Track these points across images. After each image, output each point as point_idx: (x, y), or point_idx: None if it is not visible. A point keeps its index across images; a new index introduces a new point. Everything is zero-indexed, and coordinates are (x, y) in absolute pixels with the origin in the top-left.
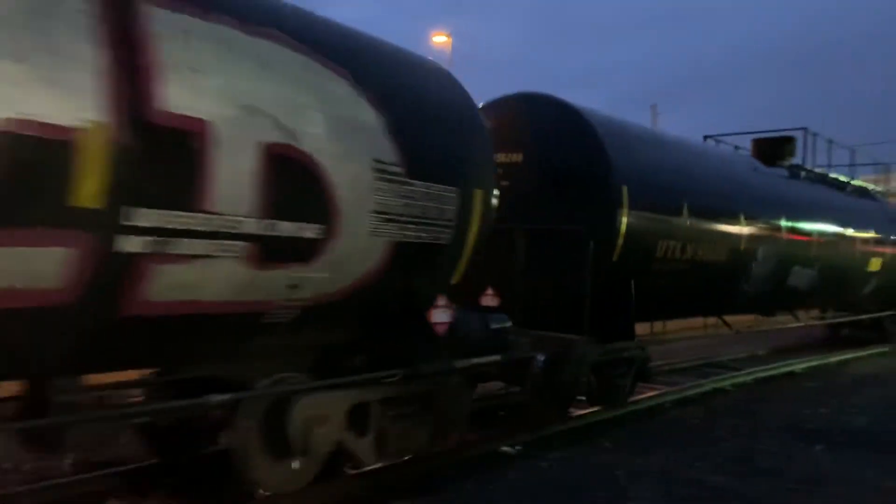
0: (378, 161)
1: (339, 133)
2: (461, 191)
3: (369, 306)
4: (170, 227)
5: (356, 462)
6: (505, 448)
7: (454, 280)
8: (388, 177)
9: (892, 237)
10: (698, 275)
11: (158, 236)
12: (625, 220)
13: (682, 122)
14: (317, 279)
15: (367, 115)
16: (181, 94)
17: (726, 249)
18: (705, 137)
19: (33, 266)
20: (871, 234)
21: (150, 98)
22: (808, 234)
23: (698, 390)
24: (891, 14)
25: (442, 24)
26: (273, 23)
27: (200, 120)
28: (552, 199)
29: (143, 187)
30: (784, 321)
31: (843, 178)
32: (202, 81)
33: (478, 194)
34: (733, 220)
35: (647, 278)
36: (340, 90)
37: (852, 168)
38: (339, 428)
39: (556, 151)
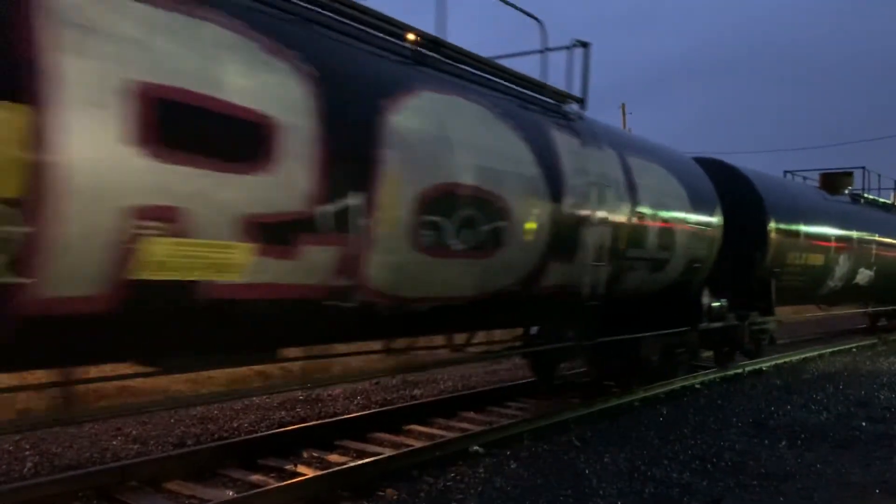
0: (685, 219)
1: (678, 206)
2: (710, 229)
3: (672, 294)
4: (634, 257)
5: (661, 377)
6: (475, 448)
7: (704, 277)
8: (691, 226)
9: None
10: (806, 275)
11: (626, 261)
12: (773, 239)
13: (649, 121)
14: (661, 279)
15: (683, 193)
16: (643, 201)
17: (823, 257)
18: (785, 173)
19: (594, 277)
20: None
21: (637, 202)
22: (869, 244)
23: (667, 388)
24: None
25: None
26: (654, 154)
27: (643, 214)
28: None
29: (633, 239)
30: (841, 310)
31: (889, 202)
32: (647, 190)
33: (716, 231)
34: (827, 235)
35: (780, 277)
36: (676, 183)
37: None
38: (657, 356)
39: (726, 196)
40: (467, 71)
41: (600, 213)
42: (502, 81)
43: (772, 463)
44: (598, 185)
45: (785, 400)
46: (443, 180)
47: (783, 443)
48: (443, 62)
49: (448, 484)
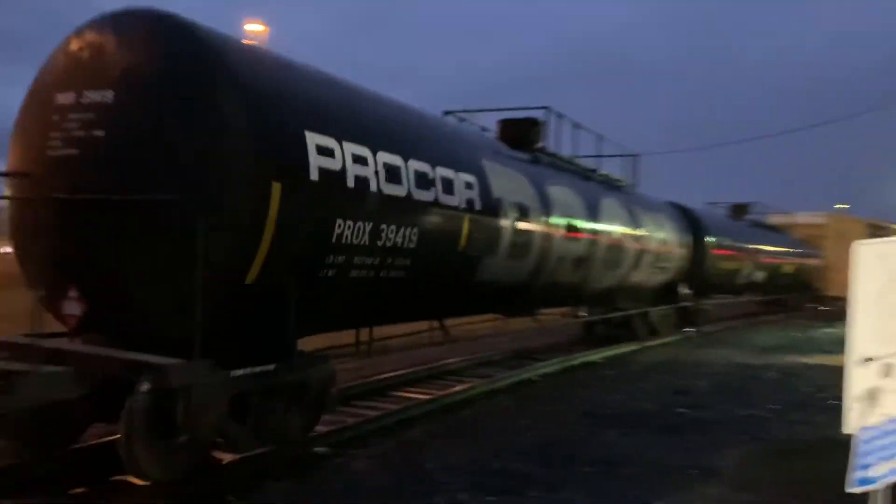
0: (675, 242)
1: (672, 235)
2: (685, 247)
3: (666, 286)
4: (657, 266)
5: None
6: (319, 448)
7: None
8: (677, 246)
9: None
10: (727, 274)
11: (652, 268)
12: (710, 252)
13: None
14: (664, 278)
15: (673, 226)
16: (661, 236)
17: (736, 263)
18: (708, 203)
19: (649, 278)
20: None
21: (659, 236)
22: (760, 254)
23: (508, 381)
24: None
25: (257, 12)
26: (657, 207)
27: (661, 240)
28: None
29: (658, 257)
30: None
31: (776, 225)
32: (659, 230)
33: (689, 248)
34: (737, 247)
35: (714, 275)
36: (669, 221)
37: None
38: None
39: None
40: (604, 182)
41: (648, 242)
42: (613, 181)
43: (603, 450)
44: (647, 227)
45: (614, 390)
46: (596, 232)
47: (614, 431)
48: (599, 179)
49: (295, 486)
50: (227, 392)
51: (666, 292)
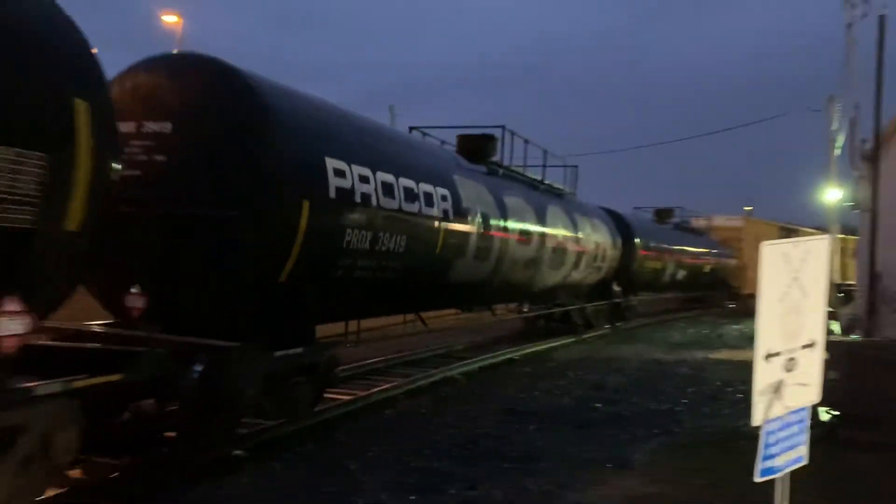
0: (610, 244)
1: (607, 239)
2: (616, 249)
3: (601, 283)
4: (594, 266)
5: None
6: (237, 452)
7: (613, 274)
8: (611, 249)
9: None
10: (653, 273)
11: (590, 267)
12: (639, 253)
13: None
14: (599, 276)
15: (606, 230)
16: (597, 238)
17: (661, 262)
18: (634, 208)
19: (585, 277)
20: None
21: (595, 238)
22: (681, 254)
23: (429, 380)
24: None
25: (180, 7)
26: (594, 212)
27: (597, 243)
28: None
29: (596, 256)
30: None
31: (697, 227)
32: (595, 233)
33: (619, 250)
34: (661, 248)
35: (641, 273)
36: (603, 226)
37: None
38: (594, 314)
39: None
40: (549, 190)
41: (586, 244)
42: (556, 190)
43: (523, 446)
44: (585, 231)
45: (533, 387)
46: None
47: (532, 426)
48: (544, 188)
49: (211, 491)
50: (268, 370)
51: (600, 290)
